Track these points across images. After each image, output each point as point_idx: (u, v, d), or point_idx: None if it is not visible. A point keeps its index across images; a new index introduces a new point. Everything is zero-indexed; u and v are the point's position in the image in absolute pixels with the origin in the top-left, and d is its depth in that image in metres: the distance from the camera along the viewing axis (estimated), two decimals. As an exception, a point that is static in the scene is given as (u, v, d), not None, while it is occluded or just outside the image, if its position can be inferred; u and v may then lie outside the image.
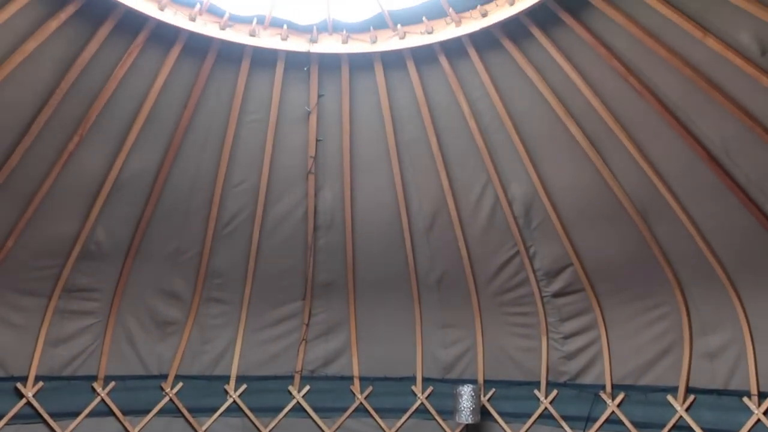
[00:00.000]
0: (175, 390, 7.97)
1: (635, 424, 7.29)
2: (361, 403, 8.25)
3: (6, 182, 6.56)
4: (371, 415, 8.21)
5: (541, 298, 7.82)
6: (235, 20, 6.38)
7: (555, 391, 7.85)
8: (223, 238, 7.73)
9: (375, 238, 7.83)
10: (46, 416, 7.34)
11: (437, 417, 8.13)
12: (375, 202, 7.61)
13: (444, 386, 8.12)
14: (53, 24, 5.76)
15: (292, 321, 8.32)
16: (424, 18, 6.41)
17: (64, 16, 5.75)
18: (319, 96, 6.84)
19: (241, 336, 8.21)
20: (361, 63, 6.66)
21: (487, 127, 6.91)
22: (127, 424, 7.70)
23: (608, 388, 7.53)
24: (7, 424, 7.14)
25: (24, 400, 7.27)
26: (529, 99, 6.57)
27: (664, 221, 6.74)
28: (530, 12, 5.95)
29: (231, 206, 7.55)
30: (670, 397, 7.15)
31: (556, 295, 7.76)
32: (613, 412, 7.44)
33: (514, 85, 6.55)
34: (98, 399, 7.65)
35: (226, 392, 8.12)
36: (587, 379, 7.72)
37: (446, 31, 6.35)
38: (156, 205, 7.32)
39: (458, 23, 6.30)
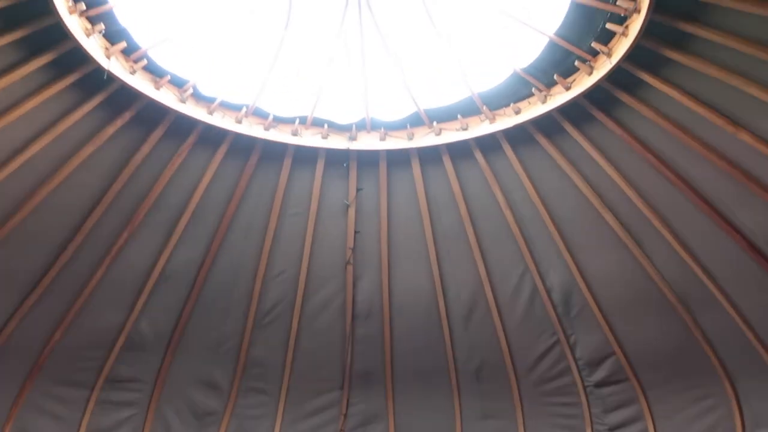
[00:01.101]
0: (213, 481, 7.86)
1: None
2: (400, 497, 8.01)
3: (56, 278, 6.80)
4: None
5: (584, 387, 7.64)
6: (279, 121, 6.71)
7: (600, 485, 7.54)
8: (263, 328, 7.80)
9: (413, 327, 7.81)
10: None
11: None
12: (413, 292, 7.64)
13: (484, 478, 7.86)
14: (110, 130, 6.14)
15: (330, 411, 8.21)
16: (459, 116, 6.65)
17: (120, 122, 6.13)
18: (358, 190, 7.04)
19: (278, 427, 8.12)
20: (398, 158, 6.88)
21: (523, 217, 7.00)
22: None
23: (657, 482, 7.22)
24: None
25: (63, 494, 7.25)
26: (564, 190, 6.68)
27: (708, 311, 6.65)
28: (562, 109, 6.15)
29: (271, 297, 7.66)
30: (724, 494, 6.82)
31: (599, 384, 7.57)
32: None
33: (548, 178, 6.68)
34: (135, 492, 7.58)
35: (264, 483, 7.98)
36: (634, 471, 7.42)
37: (481, 128, 6.57)
38: (198, 296, 7.48)
39: (492, 120, 6.52)
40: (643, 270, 6.76)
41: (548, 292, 7.33)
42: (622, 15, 5.51)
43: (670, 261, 6.57)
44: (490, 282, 7.43)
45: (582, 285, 7.11)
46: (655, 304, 6.88)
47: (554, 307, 7.38)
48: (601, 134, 6.21)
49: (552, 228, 6.90)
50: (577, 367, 7.59)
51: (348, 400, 8.14)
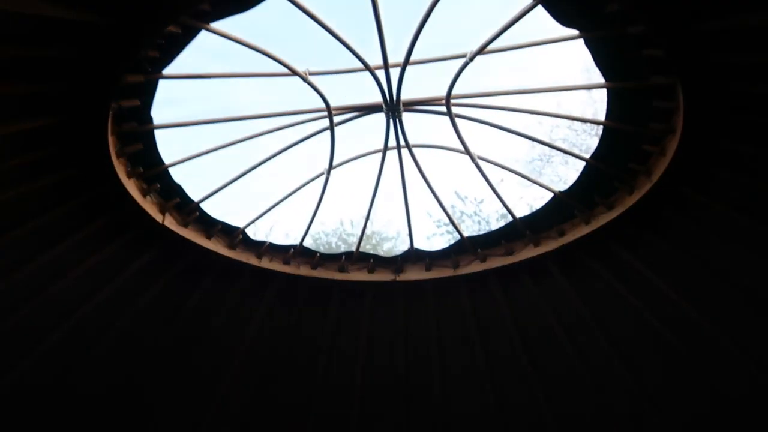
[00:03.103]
0: None
1: None
2: None
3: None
4: None
5: None
6: (325, 258, 6.87)
7: None
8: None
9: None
10: None
11: None
12: (470, 422, 7.37)
13: None
14: (164, 280, 6.37)
15: None
16: (502, 241, 6.70)
17: (175, 271, 6.37)
18: (406, 320, 7.00)
19: None
20: (445, 287, 6.87)
21: (577, 336, 6.81)
22: None
23: None
24: None
25: None
26: (619, 311, 6.52)
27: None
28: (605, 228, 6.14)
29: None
30: None
31: None
32: None
33: (602, 298, 6.55)
34: None
35: None
36: None
37: (525, 252, 6.58)
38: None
39: (537, 244, 6.54)
40: (714, 390, 6.41)
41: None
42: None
43: (744, 379, 6.23)
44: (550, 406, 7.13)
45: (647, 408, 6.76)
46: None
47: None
48: (650, 251, 6.14)
49: (608, 350, 6.68)
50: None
51: None
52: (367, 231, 12.06)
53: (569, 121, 10.78)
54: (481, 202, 10.94)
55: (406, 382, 7.10)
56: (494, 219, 10.83)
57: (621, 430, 6.99)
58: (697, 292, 6.17)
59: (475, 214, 11.25)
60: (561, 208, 6.52)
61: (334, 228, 11.99)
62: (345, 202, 12.95)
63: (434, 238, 11.03)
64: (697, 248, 5.95)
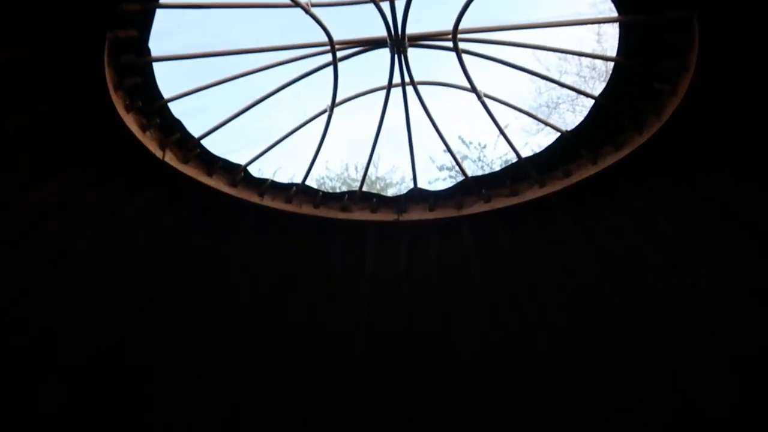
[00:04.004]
0: None
1: None
2: None
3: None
4: None
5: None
6: (328, 197, 6.80)
7: None
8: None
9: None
10: None
11: None
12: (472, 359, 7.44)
13: None
14: (169, 218, 6.32)
15: None
16: (507, 181, 6.61)
17: (175, 209, 6.32)
18: (409, 260, 6.97)
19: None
20: (449, 228, 6.82)
21: (581, 278, 6.80)
22: None
23: None
24: None
25: None
26: (623, 250, 6.49)
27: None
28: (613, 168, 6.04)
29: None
30: None
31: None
32: None
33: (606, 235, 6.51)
34: None
35: None
36: None
37: (531, 192, 6.50)
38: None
39: (542, 184, 6.45)
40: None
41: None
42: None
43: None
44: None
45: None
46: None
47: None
48: (658, 188, 6.06)
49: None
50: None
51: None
52: (372, 176, 11.97)
53: (577, 68, 10.57)
54: (485, 147, 10.79)
55: (408, 322, 7.13)
56: (498, 165, 10.70)
57: (621, 371, 7.07)
58: (704, 234, 6.11)
59: (479, 159, 11.12)
60: (568, 148, 6.38)
61: (338, 173, 11.88)
62: (350, 147, 12.84)
63: (437, 183, 10.93)
64: (706, 189, 5.86)
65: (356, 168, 11.68)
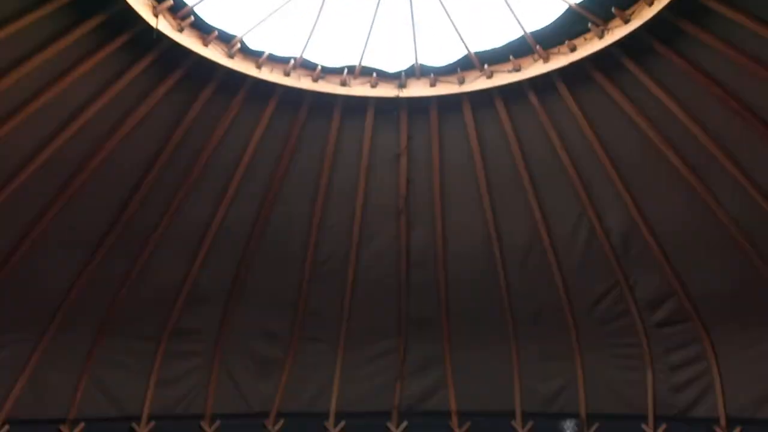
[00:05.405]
0: (277, 427, 8.16)
1: (755, 460, 6.92)
2: (460, 438, 8.19)
3: (120, 235, 7.00)
4: (471, 451, 8.14)
5: (644, 328, 7.57)
6: (327, 71, 6.63)
7: (664, 425, 7.53)
8: (320, 278, 7.93)
9: (468, 273, 7.82)
10: (160, 454, 7.67)
11: (540, 452, 7.97)
12: (467, 238, 7.62)
13: (545, 420, 7.96)
14: (162, 90, 6.17)
15: (388, 357, 8.38)
16: (510, 56, 6.44)
17: (171, 81, 6.16)
18: (409, 138, 6.95)
19: (338, 373, 8.33)
20: (449, 104, 6.74)
21: (580, 159, 6.83)
22: (235, 461, 7.94)
23: (722, 422, 7.17)
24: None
25: (139, 439, 7.64)
26: (623, 129, 6.47)
27: (775, 248, 6.44)
28: (620, 44, 5.88)
29: (326, 248, 7.75)
30: (794, 431, 6.75)
31: (660, 325, 7.50)
32: (729, 447, 7.09)
33: (607, 117, 6.47)
34: (206, 437, 7.93)
35: (326, 429, 8.24)
36: (699, 412, 7.37)
37: (534, 68, 6.35)
38: (255, 250, 7.60)
39: (546, 59, 6.30)
40: (706, 208, 6.55)
41: (606, 233, 7.21)
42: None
43: (736, 197, 6.34)
44: (546, 225, 7.34)
45: (642, 225, 6.95)
46: (718, 242, 6.69)
47: (613, 248, 7.27)
48: (662, 69, 5.94)
49: (610, 168, 6.72)
50: (637, 307, 7.51)
51: (405, 346, 8.29)
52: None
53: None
54: (488, 22, 10.37)
55: (406, 197, 7.21)
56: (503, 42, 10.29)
57: (619, 249, 7.27)
58: (708, 113, 6.06)
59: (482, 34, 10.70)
60: (574, 21, 6.18)
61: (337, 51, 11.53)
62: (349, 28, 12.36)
63: (440, 53, 10.54)
64: (715, 65, 5.73)
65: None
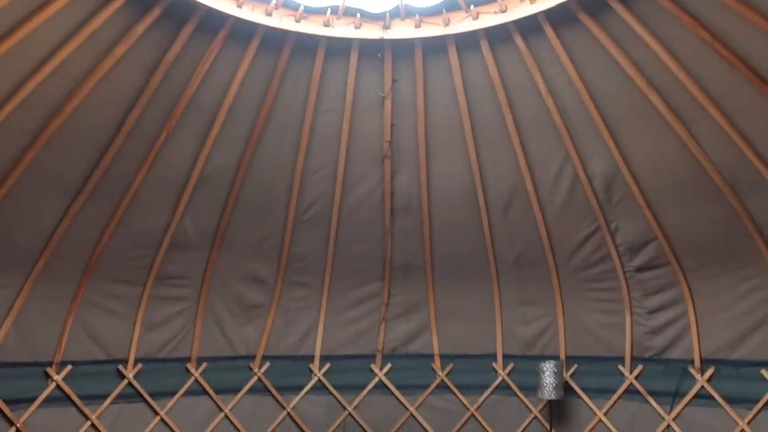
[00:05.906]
0: (263, 370, 8.31)
1: (727, 399, 7.15)
2: (442, 380, 8.39)
3: (101, 180, 6.92)
4: (453, 392, 8.34)
5: (624, 273, 7.70)
6: (310, 11, 6.47)
7: (640, 367, 7.75)
8: (304, 224, 7.95)
9: (452, 218, 7.88)
10: (146, 396, 7.81)
11: (519, 393, 8.19)
12: (451, 184, 7.64)
13: (525, 363, 8.15)
14: (140, 28, 6.00)
15: (372, 301, 8.50)
16: (497, -3, 6.32)
17: (149, 19, 5.98)
18: (393, 81, 6.87)
19: (323, 317, 8.45)
20: (434, 47, 6.64)
21: (565, 104, 6.79)
22: (219, 402, 8.10)
23: (697, 363, 7.39)
24: (111, 403, 7.64)
25: (125, 381, 7.75)
26: (608, 73, 6.41)
27: (757, 194, 6.49)
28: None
29: (310, 193, 7.74)
30: (764, 371, 6.96)
31: (640, 269, 7.62)
32: (702, 387, 7.31)
33: (592, 60, 6.40)
34: (192, 379, 8.07)
35: (311, 371, 8.41)
36: (674, 354, 7.58)
37: (521, 9, 6.24)
38: (239, 195, 7.58)
39: (533, 0, 6.18)
40: (689, 153, 6.56)
41: (589, 179, 7.24)
42: None
43: (719, 143, 6.36)
44: (530, 171, 7.35)
45: (625, 171, 6.98)
46: (700, 188, 6.73)
47: (595, 194, 7.31)
48: (649, 10, 5.83)
49: (595, 113, 6.69)
50: (618, 252, 7.61)
51: (389, 291, 8.39)
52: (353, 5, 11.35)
53: None
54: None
55: (390, 142, 7.17)
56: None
57: (601, 194, 7.31)
58: (690, 57, 6.00)
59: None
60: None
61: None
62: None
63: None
64: (700, 9, 5.64)
65: None
